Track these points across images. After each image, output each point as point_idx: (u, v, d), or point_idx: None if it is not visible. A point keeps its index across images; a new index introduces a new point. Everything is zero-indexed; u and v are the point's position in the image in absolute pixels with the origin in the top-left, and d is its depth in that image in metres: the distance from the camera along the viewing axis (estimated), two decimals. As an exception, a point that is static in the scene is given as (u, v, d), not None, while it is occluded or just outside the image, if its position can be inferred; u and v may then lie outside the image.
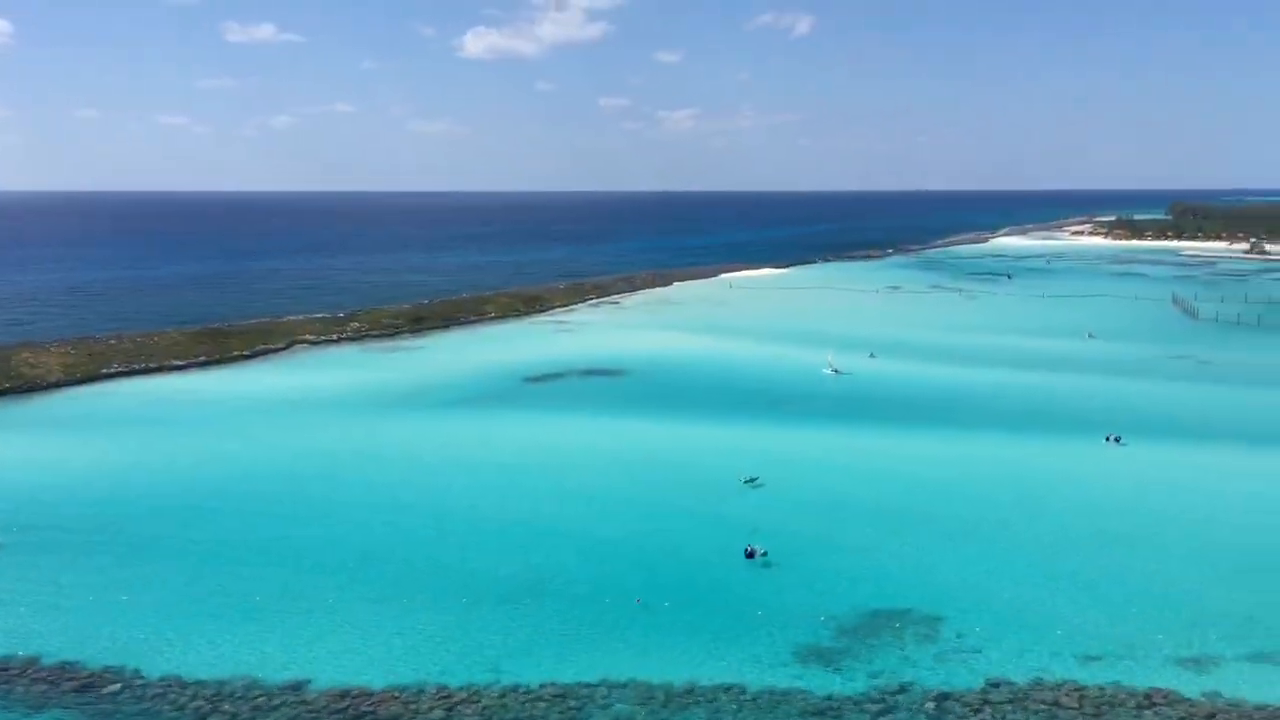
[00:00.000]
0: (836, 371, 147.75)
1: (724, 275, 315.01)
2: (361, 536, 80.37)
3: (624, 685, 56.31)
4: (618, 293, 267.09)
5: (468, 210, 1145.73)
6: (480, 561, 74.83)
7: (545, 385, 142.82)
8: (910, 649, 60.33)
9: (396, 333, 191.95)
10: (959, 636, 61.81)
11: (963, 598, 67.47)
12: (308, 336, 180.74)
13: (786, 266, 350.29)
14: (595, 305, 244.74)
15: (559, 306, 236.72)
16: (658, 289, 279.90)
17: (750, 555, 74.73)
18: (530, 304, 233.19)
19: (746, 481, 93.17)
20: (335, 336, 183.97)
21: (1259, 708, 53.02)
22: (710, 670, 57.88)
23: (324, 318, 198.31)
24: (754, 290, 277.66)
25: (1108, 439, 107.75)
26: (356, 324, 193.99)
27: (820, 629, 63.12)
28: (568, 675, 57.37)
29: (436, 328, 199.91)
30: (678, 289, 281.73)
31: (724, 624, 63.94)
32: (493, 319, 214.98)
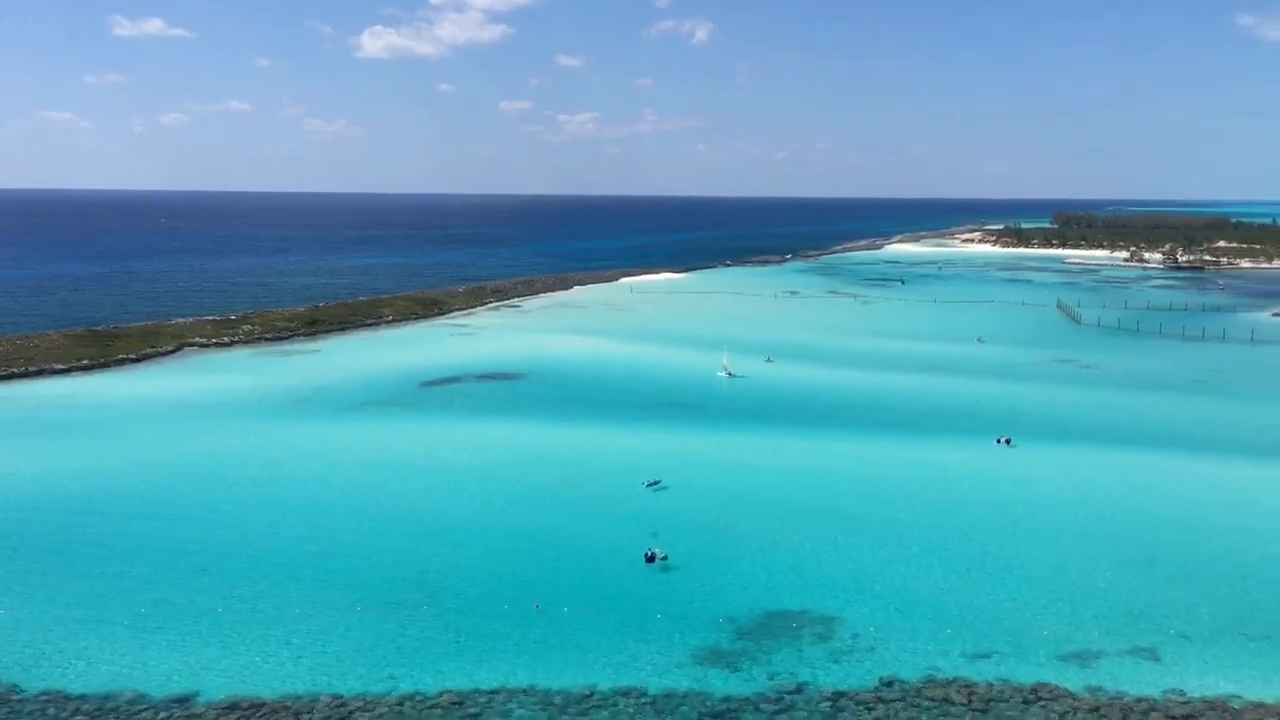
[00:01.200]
0: (730, 374, 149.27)
1: (625, 279, 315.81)
2: (250, 544, 78.34)
3: (522, 691, 55.85)
4: (518, 296, 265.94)
5: (365, 212, 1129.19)
6: (374, 568, 73.56)
7: (443, 389, 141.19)
8: (807, 649, 61.04)
9: (290, 336, 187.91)
10: (854, 636, 62.76)
11: (858, 597, 68.58)
12: (197, 339, 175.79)
13: (687, 271, 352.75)
14: (495, 309, 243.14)
15: (458, 310, 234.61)
16: (558, 292, 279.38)
17: (650, 559, 74.78)
18: (429, 307, 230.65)
19: (648, 485, 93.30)
20: (226, 339, 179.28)
21: (1139, 700, 54.84)
22: (609, 674, 57.75)
23: (214, 320, 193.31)
24: (654, 294, 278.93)
25: (999, 440, 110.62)
26: (248, 327, 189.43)
27: (719, 631, 63.48)
28: (465, 682, 56.68)
29: (332, 330, 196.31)
30: (578, 292, 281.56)
31: (623, 628, 63.86)
32: (390, 322, 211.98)
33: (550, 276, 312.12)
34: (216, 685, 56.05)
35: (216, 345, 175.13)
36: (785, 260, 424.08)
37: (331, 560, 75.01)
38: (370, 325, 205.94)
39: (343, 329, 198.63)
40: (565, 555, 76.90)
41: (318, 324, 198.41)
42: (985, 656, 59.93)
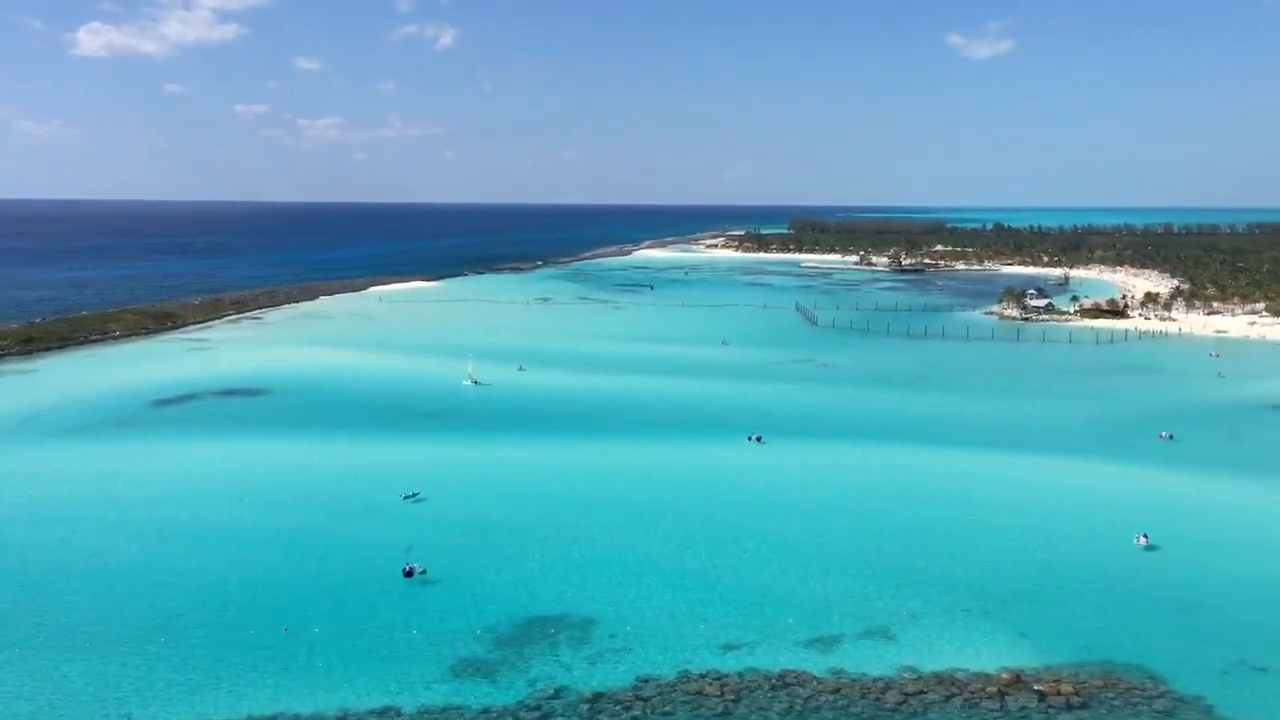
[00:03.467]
0: (476, 383, 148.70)
1: (373, 289, 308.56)
2: (-40, 585, 71.47)
3: (270, 719, 53.55)
4: (259, 308, 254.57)
5: (86, 220, 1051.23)
6: (107, 603, 68.67)
7: (178, 408, 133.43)
8: (565, 654, 61.49)
9: (3, 355, 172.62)
10: (611, 636, 63.74)
11: (616, 598, 69.72)
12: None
13: (437, 279, 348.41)
14: (235, 321, 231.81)
15: (194, 323, 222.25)
16: (303, 303, 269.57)
17: (409, 574, 73.41)
18: (161, 321, 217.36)
19: (406, 498, 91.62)
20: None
21: (876, 680, 58.32)
22: (363, 695, 56.20)
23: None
24: (404, 303, 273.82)
25: (749, 438, 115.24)
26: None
27: (477, 642, 63.00)
28: (210, 713, 53.82)
29: (51, 348, 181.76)
30: (324, 303, 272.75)
31: (378, 646, 62.32)
32: (118, 338, 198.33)
33: (294, 287, 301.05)
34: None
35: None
36: (536, 267, 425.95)
37: (66, 597, 69.47)
38: (95, 342, 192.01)
39: (63, 346, 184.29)
40: (317, 575, 74.36)
41: (34, 342, 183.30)
42: (736, 648, 62.18)
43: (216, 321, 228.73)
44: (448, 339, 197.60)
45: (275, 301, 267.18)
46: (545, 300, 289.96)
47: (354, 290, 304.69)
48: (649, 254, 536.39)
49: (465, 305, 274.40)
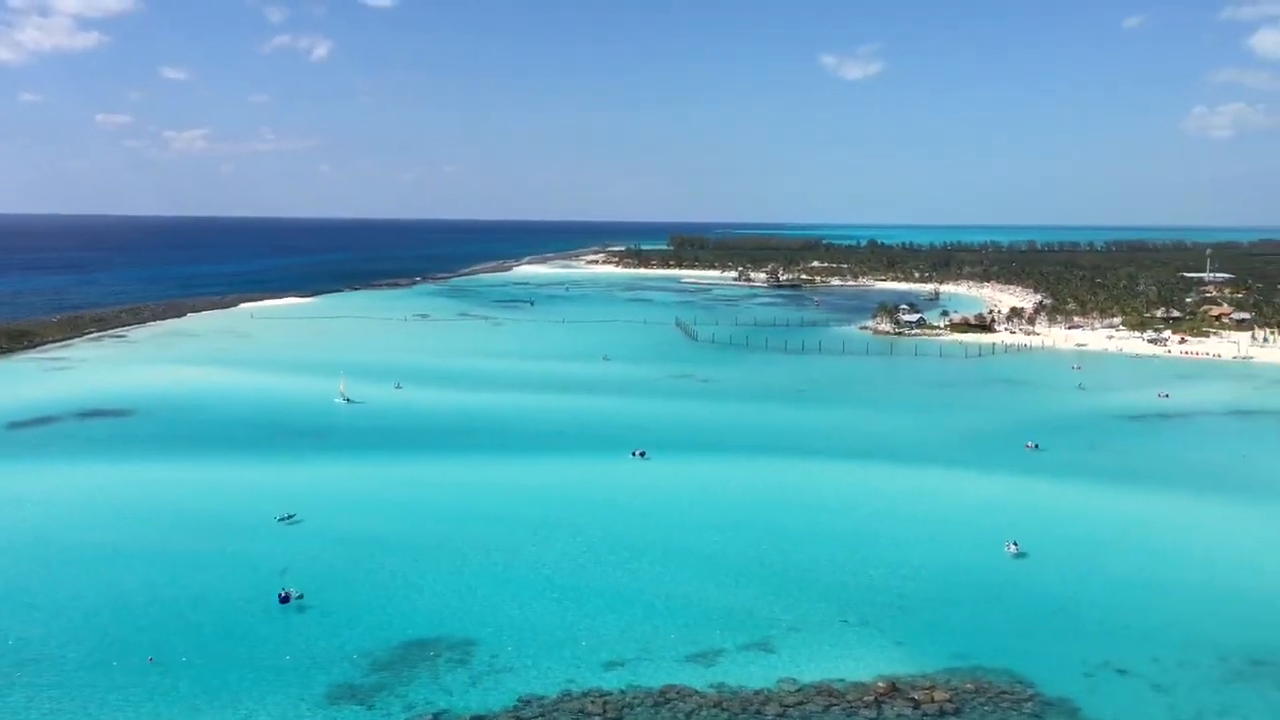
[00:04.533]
0: (349, 400, 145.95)
1: (245, 305, 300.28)
2: None
3: (134, 757, 51.27)
4: (123, 325, 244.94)
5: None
6: (-47, 638, 64.85)
7: (34, 430, 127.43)
8: (445, 676, 60.38)
9: None
10: (493, 657, 62.87)
11: (496, 619, 68.79)
12: None
13: (312, 295, 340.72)
14: (97, 340, 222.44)
15: (53, 342, 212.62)
16: (170, 321, 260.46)
17: (285, 599, 71.26)
18: (16, 340, 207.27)
19: (281, 519, 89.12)
20: None
21: (757, 692, 58.73)
22: (234, 727, 54.22)
23: None
24: (278, 320, 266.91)
25: (634, 454, 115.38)
26: None
27: (354, 667, 61.43)
28: (66, 755, 51.20)
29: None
30: (193, 320, 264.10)
31: (250, 674, 60.20)
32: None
33: (161, 304, 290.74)
34: None
35: None
36: (415, 283, 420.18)
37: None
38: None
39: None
40: (189, 601, 71.58)
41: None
42: (618, 665, 61.93)
43: (77, 340, 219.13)
44: (322, 356, 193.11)
45: (140, 319, 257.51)
46: (424, 317, 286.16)
47: (224, 307, 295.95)
48: (530, 270, 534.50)
49: (341, 322, 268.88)
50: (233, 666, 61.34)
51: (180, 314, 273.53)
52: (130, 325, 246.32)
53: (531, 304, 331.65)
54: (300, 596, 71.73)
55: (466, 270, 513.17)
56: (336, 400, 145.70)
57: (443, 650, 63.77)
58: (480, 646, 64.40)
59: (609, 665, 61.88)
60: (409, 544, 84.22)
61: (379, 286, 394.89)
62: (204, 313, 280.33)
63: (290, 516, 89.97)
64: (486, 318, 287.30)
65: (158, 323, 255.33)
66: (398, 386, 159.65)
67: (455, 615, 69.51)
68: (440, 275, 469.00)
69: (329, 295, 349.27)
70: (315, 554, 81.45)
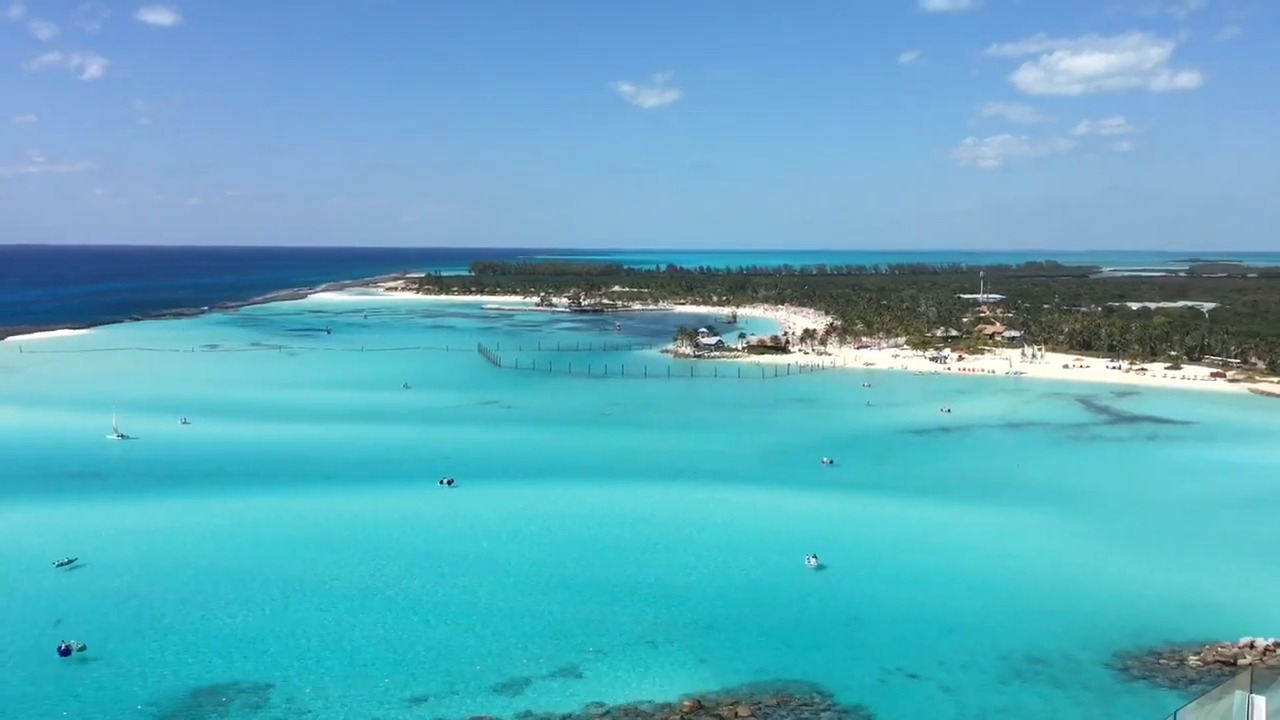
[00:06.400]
0: (123, 436, 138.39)
1: (12, 339, 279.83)
2: None
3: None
4: None
5: None
6: None
7: None
8: (239, 724, 57.54)
9: None
10: (289, 701, 60.37)
11: (293, 661, 66.08)
12: None
13: (89, 327, 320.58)
14: None
15: None
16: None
17: (66, 652, 66.44)
18: None
19: (59, 565, 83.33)
20: None
21: (565, 718, 58.45)
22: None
23: None
24: (51, 354, 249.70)
25: (441, 482, 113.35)
26: None
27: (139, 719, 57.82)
28: None
29: None
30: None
31: (20, 737, 55.82)
32: None
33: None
34: None
35: None
36: (203, 312, 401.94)
37: None
38: None
39: None
40: (-53, 662, 65.79)
41: None
42: (422, 700, 60.52)
43: None
44: (100, 391, 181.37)
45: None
46: (213, 347, 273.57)
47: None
48: (326, 297, 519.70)
49: (122, 355, 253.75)
50: (0, 729, 56.76)
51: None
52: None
53: (329, 332, 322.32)
54: (83, 648, 67.09)
55: (259, 298, 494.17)
56: (109, 436, 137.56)
57: (236, 696, 60.83)
58: (276, 690, 61.75)
59: (413, 701, 60.39)
60: (199, 586, 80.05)
61: (163, 316, 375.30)
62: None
63: (70, 561, 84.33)
64: (281, 347, 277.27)
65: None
66: (184, 421, 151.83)
67: (250, 658, 66.35)
68: (230, 304, 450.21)
69: (108, 326, 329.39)
70: (98, 600, 76.55)
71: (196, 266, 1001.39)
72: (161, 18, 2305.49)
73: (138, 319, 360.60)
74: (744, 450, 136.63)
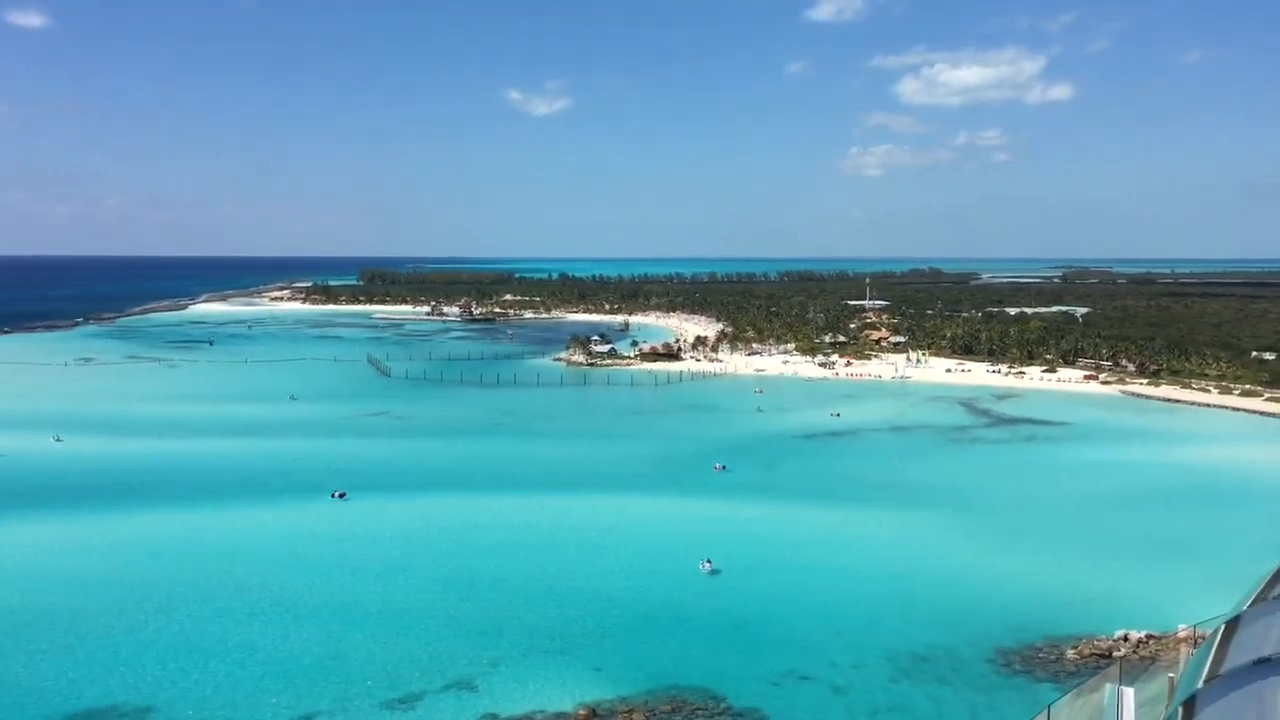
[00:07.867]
0: None
1: None
2: None
3: None
4: None
5: None
6: None
7: None
8: (117, 751, 55.33)
9: None
10: (171, 727, 58.26)
11: (176, 684, 63.76)
12: None
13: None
14: None
15: None
16: None
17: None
18: None
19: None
20: None
21: (460, 730, 57.68)
22: None
23: None
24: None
25: (332, 495, 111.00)
26: None
27: (8, 752, 55.19)
28: None
29: None
30: None
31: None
32: None
33: None
34: None
35: None
36: (76, 324, 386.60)
37: None
38: None
39: None
40: None
41: None
42: (311, 718, 59.03)
43: None
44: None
45: None
46: (88, 361, 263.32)
47: None
48: (208, 308, 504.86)
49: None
50: None
51: None
52: None
53: (210, 344, 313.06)
54: (-60, 678, 63.77)
55: (136, 310, 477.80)
56: None
57: (113, 721, 58.48)
58: (157, 712, 59.63)
59: (302, 719, 58.83)
60: (75, 610, 76.68)
61: (32, 329, 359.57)
62: None
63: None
64: (160, 360, 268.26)
65: None
66: (57, 439, 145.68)
67: (128, 685, 63.73)
68: (106, 315, 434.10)
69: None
70: (-42, 629, 72.69)
71: (71, 277, 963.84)
72: (31, 20, 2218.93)
73: (7, 332, 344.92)
74: (637, 457, 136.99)
